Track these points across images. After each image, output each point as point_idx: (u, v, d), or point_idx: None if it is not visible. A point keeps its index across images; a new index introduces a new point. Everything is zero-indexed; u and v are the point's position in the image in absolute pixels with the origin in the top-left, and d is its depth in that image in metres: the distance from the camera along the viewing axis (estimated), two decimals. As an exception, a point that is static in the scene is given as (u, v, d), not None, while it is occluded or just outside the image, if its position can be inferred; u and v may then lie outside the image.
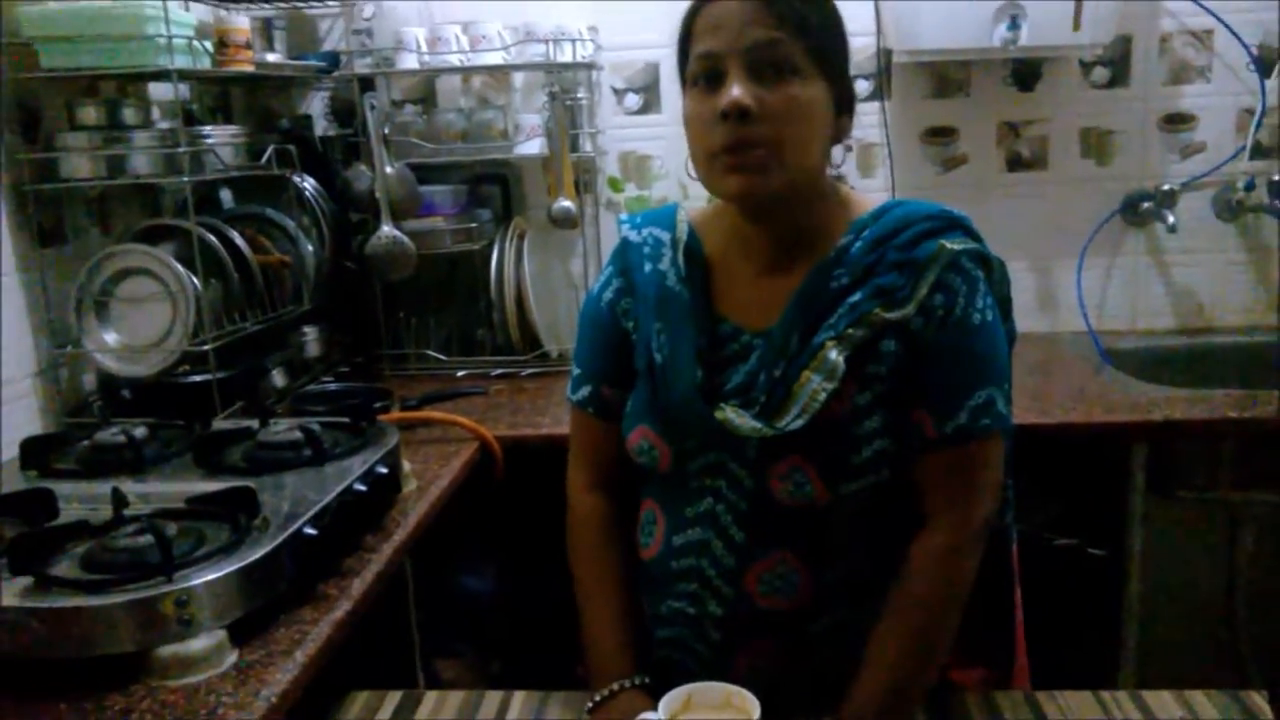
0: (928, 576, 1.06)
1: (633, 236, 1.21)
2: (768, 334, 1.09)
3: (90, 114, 1.72)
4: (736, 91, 1.01)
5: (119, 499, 1.21)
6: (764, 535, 1.08)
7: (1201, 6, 2.18)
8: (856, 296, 1.06)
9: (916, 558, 1.07)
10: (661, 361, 1.12)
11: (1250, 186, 2.22)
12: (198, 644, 1.04)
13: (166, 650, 1.03)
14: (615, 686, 1.10)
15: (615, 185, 2.36)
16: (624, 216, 1.25)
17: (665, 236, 1.18)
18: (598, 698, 1.10)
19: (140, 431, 1.47)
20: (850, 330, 1.05)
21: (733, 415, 1.06)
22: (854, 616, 1.10)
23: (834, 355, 1.04)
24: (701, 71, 1.05)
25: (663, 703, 0.98)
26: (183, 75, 1.73)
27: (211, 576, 1.07)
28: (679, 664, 1.15)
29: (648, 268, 1.17)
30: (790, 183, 1.06)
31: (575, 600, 1.22)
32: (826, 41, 1.06)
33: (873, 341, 1.06)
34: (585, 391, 1.23)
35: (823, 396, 1.04)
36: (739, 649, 1.12)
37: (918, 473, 1.09)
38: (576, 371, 1.25)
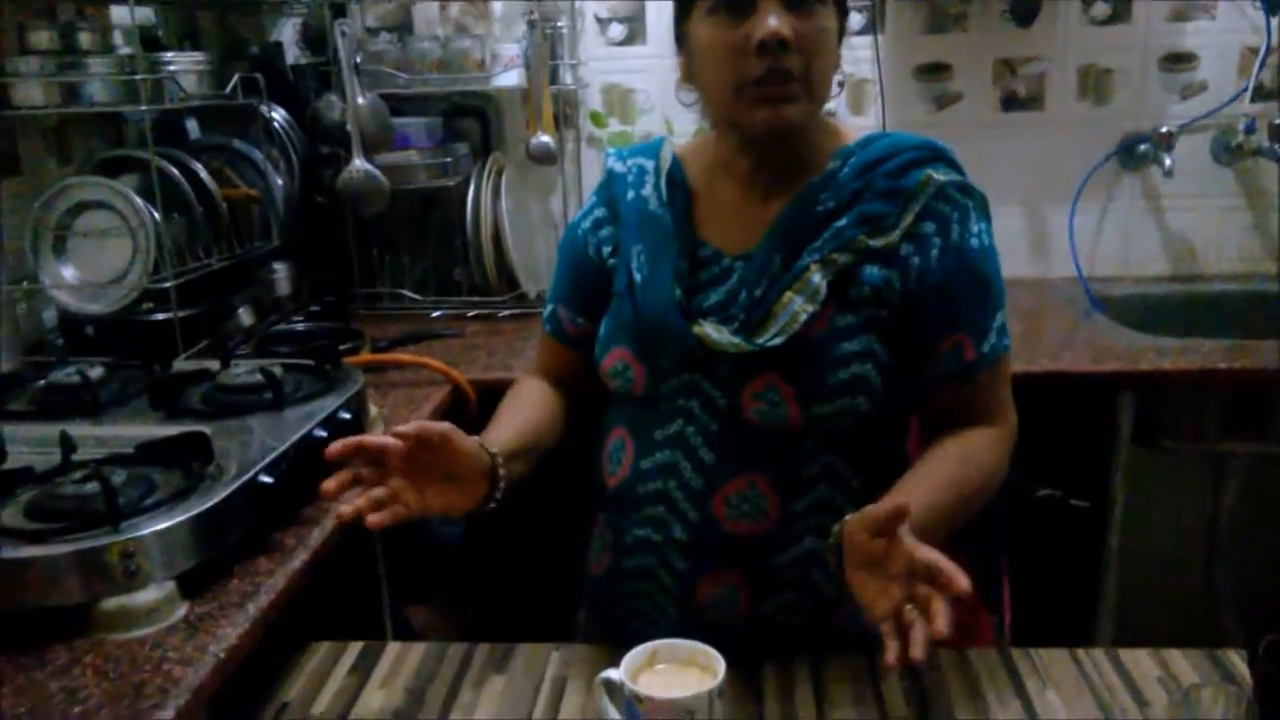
0: (981, 444, 1.08)
1: (618, 167, 1.22)
2: (748, 257, 1.10)
3: (43, 38, 1.64)
4: (774, 21, 1.01)
5: (67, 443, 1.16)
6: (734, 457, 1.08)
7: (1209, -61, 2.10)
8: (842, 222, 1.07)
9: (966, 436, 1.08)
10: (641, 281, 1.13)
11: (1251, 129, 2.16)
12: (145, 596, 1.00)
13: (112, 602, 0.99)
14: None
15: (598, 120, 2.29)
16: (610, 150, 1.27)
17: (649, 165, 1.20)
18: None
19: (96, 372, 1.42)
20: (834, 255, 1.06)
21: (711, 330, 1.07)
22: (821, 551, 1.08)
23: (817, 278, 1.05)
24: (724, 1, 1.04)
25: (625, 660, 0.95)
26: (139, -2, 1.65)
27: (160, 526, 1.03)
28: (645, 597, 1.15)
29: (630, 195, 1.18)
30: (811, 113, 1.08)
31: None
32: None
33: (855, 266, 1.07)
34: (548, 311, 1.28)
35: (804, 317, 1.04)
36: (704, 577, 1.11)
37: (956, 397, 1.10)
38: (548, 295, 1.29)
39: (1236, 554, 1.79)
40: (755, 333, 1.05)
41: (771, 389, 1.06)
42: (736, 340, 1.05)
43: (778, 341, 1.04)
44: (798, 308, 1.05)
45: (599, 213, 1.22)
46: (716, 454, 1.09)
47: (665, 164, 1.18)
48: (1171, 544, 1.80)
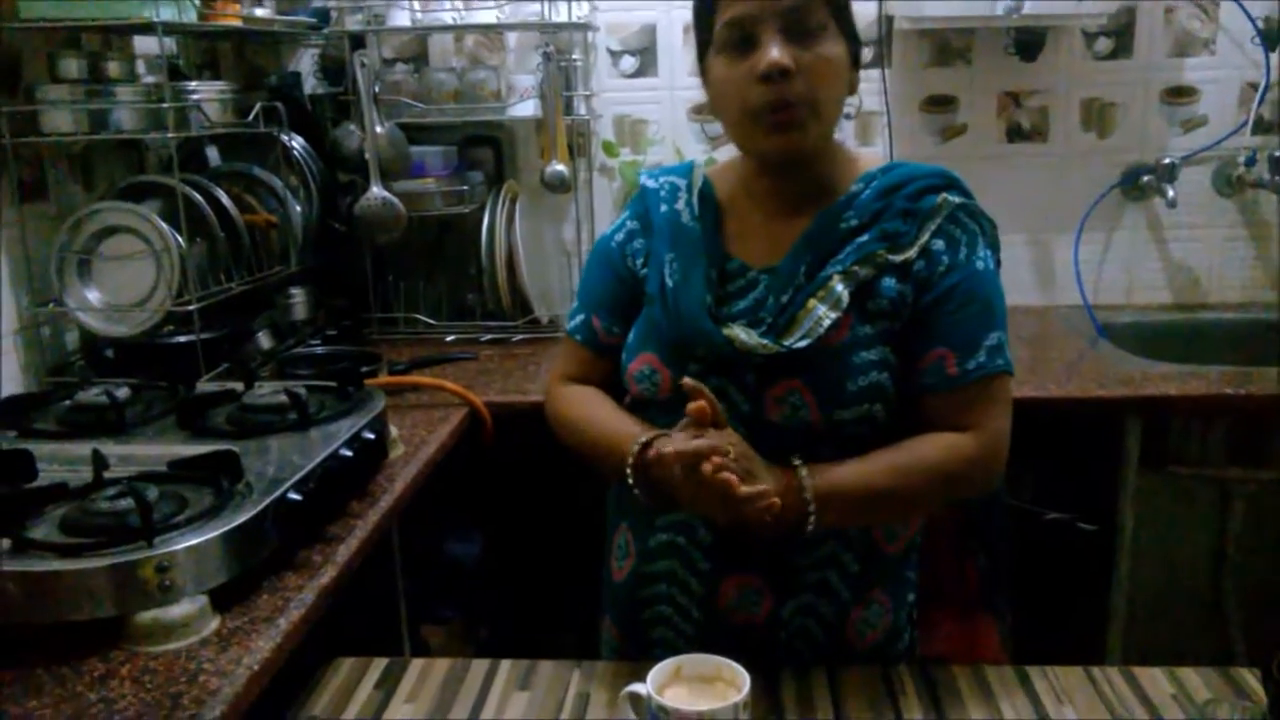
0: (933, 442, 1.10)
1: (651, 184, 1.27)
2: (774, 269, 1.15)
3: (72, 67, 1.68)
4: (776, 53, 1.07)
5: (99, 461, 1.18)
6: None
7: (1208, -23, 2.15)
8: (864, 238, 1.13)
9: (938, 438, 1.11)
10: (674, 286, 1.17)
11: (1251, 162, 2.20)
12: (179, 610, 1.02)
13: (147, 615, 1.01)
14: (645, 438, 1.10)
15: (610, 149, 2.32)
16: (643, 171, 1.32)
17: (682, 183, 1.25)
18: (634, 450, 1.10)
19: (123, 392, 1.45)
20: (856, 267, 1.11)
21: (740, 332, 1.11)
22: (840, 555, 1.15)
23: (839, 287, 1.10)
24: (731, 37, 1.10)
25: (651, 675, 0.97)
26: (168, 29, 1.69)
27: (193, 541, 1.05)
28: (668, 600, 1.18)
29: (664, 208, 1.23)
30: (821, 137, 1.14)
31: (568, 440, 1.25)
32: (844, 0, 1.14)
33: (875, 279, 1.12)
34: (578, 320, 1.29)
35: (826, 323, 1.10)
36: (727, 578, 1.15)
37: (937, 409, 1.12)
38: (575, 305, 1.31)
39: (1243, 576, 1.81)
40: (782, 336, 1.10)
41: (794, 393, 1.10)
42: (765, 342, 1.10)
43: (803, 344, 1.09)
44: (821, 314, 1.10)
45: (631, 225, 1.27)
46: None
47: (697, 182, 1.24)
48: (1179, 566, 1.82)
